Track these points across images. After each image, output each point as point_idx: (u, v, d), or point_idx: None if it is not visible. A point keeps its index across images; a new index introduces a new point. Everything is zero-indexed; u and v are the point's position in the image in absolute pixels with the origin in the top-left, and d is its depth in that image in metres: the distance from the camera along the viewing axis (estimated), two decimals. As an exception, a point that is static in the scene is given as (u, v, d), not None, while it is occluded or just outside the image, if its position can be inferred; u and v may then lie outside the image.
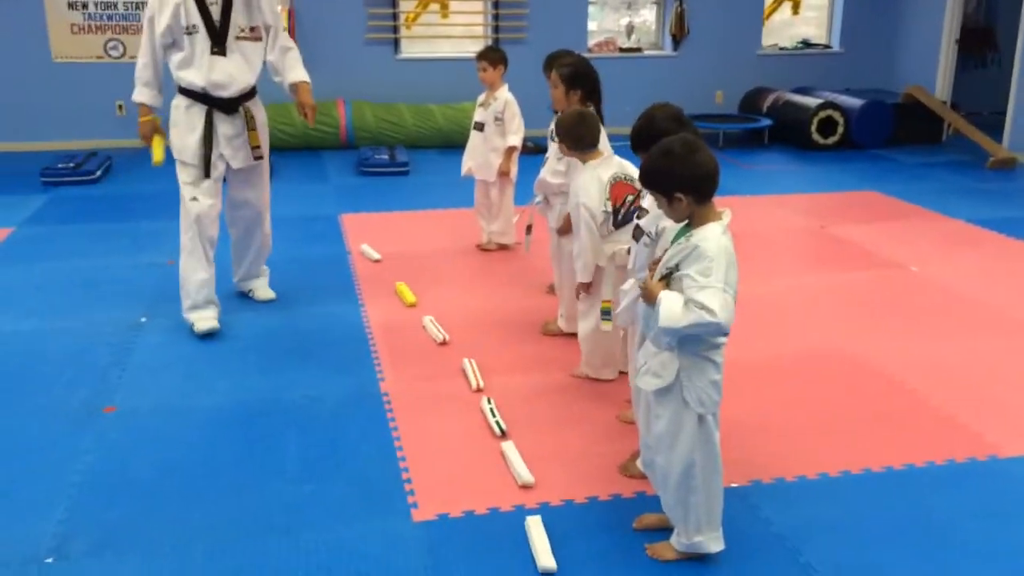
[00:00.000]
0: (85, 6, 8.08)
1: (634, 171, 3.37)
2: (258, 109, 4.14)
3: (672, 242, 2.35)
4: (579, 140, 3.38)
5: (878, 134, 8.65)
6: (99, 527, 2.64)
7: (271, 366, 3.76)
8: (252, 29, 3.97)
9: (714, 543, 2.48)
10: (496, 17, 8.92)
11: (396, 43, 8.79)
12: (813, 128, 8.48)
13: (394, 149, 7.81)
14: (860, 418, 3.36)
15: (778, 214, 6.30)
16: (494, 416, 3.27)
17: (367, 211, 6.21)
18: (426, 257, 5.22)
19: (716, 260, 2.21)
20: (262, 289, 4.51)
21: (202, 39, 3.87)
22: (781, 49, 9.81)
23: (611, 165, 3.39)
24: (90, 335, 4.03)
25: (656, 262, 2.39)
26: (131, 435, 3.19)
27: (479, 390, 3.53)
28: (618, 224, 3.35)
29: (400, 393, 3.52)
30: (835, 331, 4.18)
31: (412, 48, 8.99)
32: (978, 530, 2.69)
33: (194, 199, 4.01)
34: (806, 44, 9.87)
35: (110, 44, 8.20)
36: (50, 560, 2.49)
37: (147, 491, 2.84)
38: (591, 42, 9.28)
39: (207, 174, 3.99)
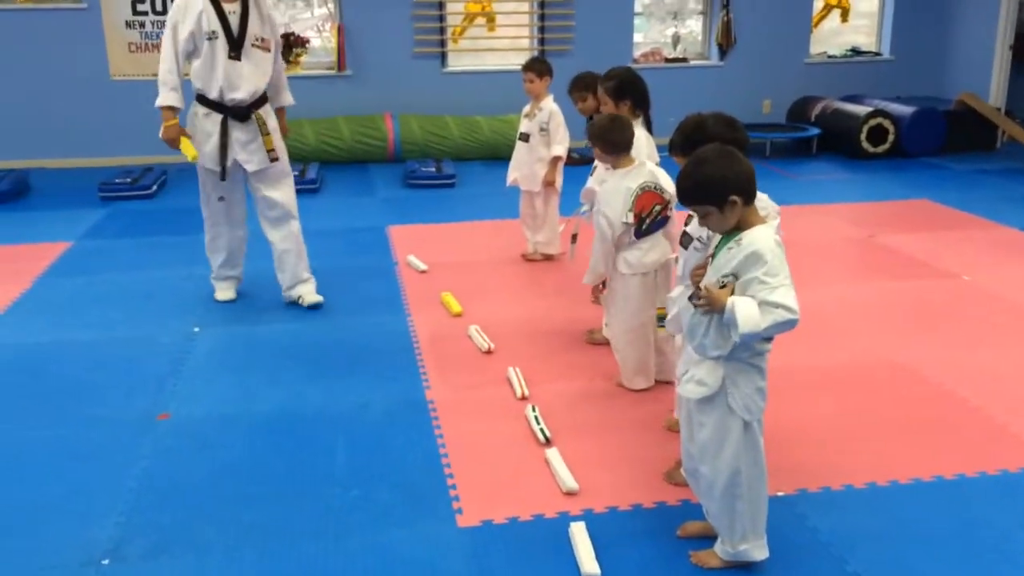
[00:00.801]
0: (143, 25, 8.30)
1: (666, 180, 3.38)
2: (269, 116, 4.41)
3: (719, 247, 2.33)
4: (610, 144, 3.40)
5: (930, 142, 8.52)
6: (154, 530, 2.72)
7: (320, 375, 3.83)
8: (263, 40, 4.28)
9: (759, 551, 2.47)
10: (542, 29, 8.98)
11: (443, 56, 8.89)
12: (863, 136, 8.38)
13: (441, 161, 7.89)
14: (910, 427, 3.32)
15: (826, 223, 6.24)
16: (538, 423, 3.29)
17: (414, 223, 6.28)
18: (472, 267, 5.27)
19: (776, 258, 2.20)
20: (309, 294, 4.61)
21: (221, 44, 4.16)
22: (830, 57, 9.72)
23: (641, 174, 3.40)
24: (146, 345, 4.14)
25: (699, 267, 2.39)
26: (185, 441, 3.27)
27: (524, 398, 3.56)
28: (641, 234, 3.37)
29: (446, 401, 3.56)
30: (884, 340, 4.13)
31: (459, 61, 9.08)
32: (1031, 541, 2.64)
33: (220, 199, 4.47)
34: (855, 52, 9.77)
35: (165, 62, 8.39)
36: (106, 562, 2.57)
37: (200, 495, 2.91)
38: (636, 53, 9.29)
39: (223, 177, 4.36)
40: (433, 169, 7.58)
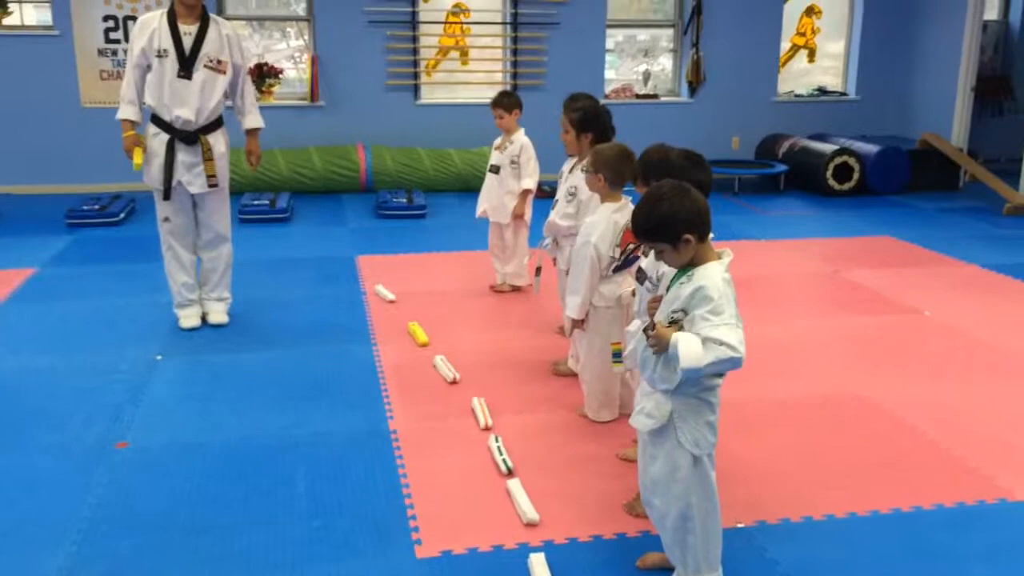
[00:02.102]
0: (114, 53, 8.29)
1: None
2: (218, 141, 4.51)
3: (672, 282, 2.35)
4: (619, 175, 3.36)
5: (894, 180, 8.67)
6: (107, 559, 2.67)
7: (283, 404, 3.80)
8: (219, 62, 4.38)
9: (715, 584, 2.47)
10: (515, 64, 9.07)
11: (416, 89, 8.95)
12: (829, 174, 8.51)
13: (412, 192, 7.91)
14: (869, 460, 3.35)
15: (792, 258, 6.31)
16: (501, 454, 3.28)
17: (384, 253, 6.28)
18: (440, 298, 5.27)
19: (723, 297, 2.22)
20: (217, 313, 4.77)
21: (171, 62, 4.30)
22: (797, 96, 9.90)
23: (626, 213, 3.39)
24: (106, 373, 4.09)
25: (654, 301, 2.41)
26: (142, 471, 3.22)
27: (487, 428, 3.55)
28: (616, 269, 3.39)
29: (408, 431, 3.55)
30: (846, 374, 4.17)
31: (432, 94, 9.15)
32: (986, 573, 2.67)
33: (166, 219, 4.58)
34: (822, 91, 9.95)
35: (137, 90, 8.38)
36: (57, 591, 2.52)
37: (156, 525, 2.87)
38: (608, 88, 9.40)
39: (167, 196, 4.47)
40: (404, 200, 7.60)
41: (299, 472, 3.22)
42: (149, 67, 4.33)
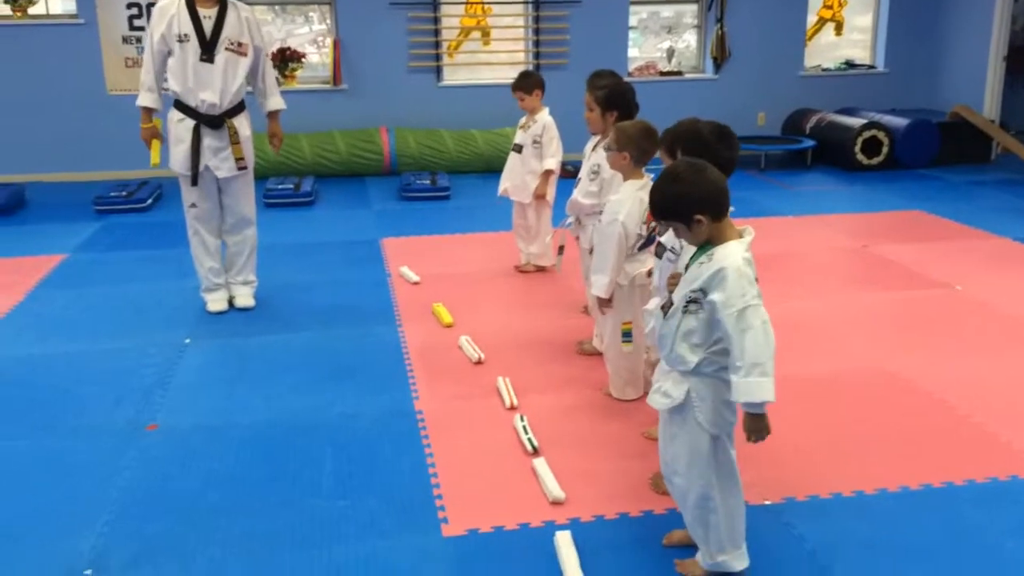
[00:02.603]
0: (139, 40, 8.32)
1: None
2: (242, 125, 4.51)
3: (692, 260, 2.32)
4: (644, 153, 3.33)
5: (924, 154, 8.54)
6: (138, 540, 2.71)
7: (309, 385, 3.82)
8: (240, 44, 4.38)
9: (738, 561, 2.46)
10: (537, 43, 9.01)
11: (439, 71, 8.92)
12: (857, 148, 8.39)
13: (436, 174, 7.90)
14: (899, 436, 3.31)
15: (821, 234, 6.24)
16: (526, 433, 3.28)
17: (408, 235, 6.29)
18: (464, 279, 5.27)
19: (743, 278, 2.18)
20: (244, 297, 4.77)
21: (192, 47, 4.29)
22: (824, 70, 9.75)
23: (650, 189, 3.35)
24: (136, 356, 4.14)
25: (674, 277, 2.39)
26: (172, 452, 3.26)
27: (512, 408, 3.55)
28: (641, 247, 3.36)
29: (434, 411, 3.56)
30: (876, 350, 4.12)
31: (454, 75, 9.11)
32: (1018, 549, 2.63)
33: (192, 205, 4.57)
34: (850, 65, 9.80)
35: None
36: (88, 572, 2.56)
37: (185, 506, 2.90)
38: (632, 67, 9.32)
39: (194, 182, 4.47)
40: (428, 182, 7.60)
41: (326, 453, 3.24)
42: (170, 53, 4.32)
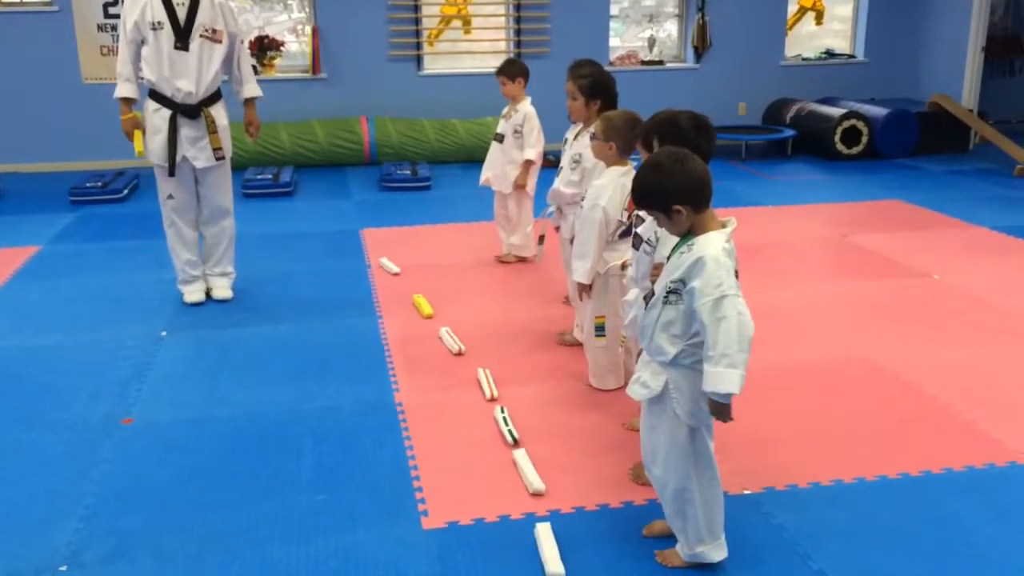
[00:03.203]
0: (114, 28, 8.21)
1: None
2: (219, 114, 4.45)
3: (673, 251, 2.32)
4: (629, 143, 3.31)
5: (903, 143, 8.58)
6: (114, 535, 2.68)
7: (288, 378, 3.79)
8: (214, 31, 4.30)
9: (716, 552, 2.46)
10: (518, 32, 8.97)
11: (419, 60, 8.86)
12: (837, 138, 8.42)
13: (416, 165, 7.86)
14: (877, 425, 3.33)
15: (801, 224, 6.26)
16: (507, 425, 3.27)
17: (388, 225, 6.25)
18: (444, 270, 5.25)
19: (721, 267, 2.18)
20: (222, 289, 4.73)
21: (166, 35, 4.21)
22: (804, 60, 9.77)
23: (632, 176, 3.33)
24: (111, 349, 4.09)
25: (657, 267, 2.38)
26: (148, 446, 3.23)
27: (493, 399, 3.54)
28: (621, 234, 3.35)
29: (414, 403, 3.54)
30: (855, 339, 4.14)
31: (435, 64, 9.06)
32: (996, 536, 2.65)
33: (169, 196, 4.53)
34: (830, 54, 9.82)
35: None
36: (64, 568, 2.53)
37: (162, 500, 2.87)
38: (613, 56, 9.30)
39: (171, 172, 4.41)
40: (408, 172, 7.56)
41: (305, 445, 3.21)
42: (143, 41, 4.25)
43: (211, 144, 4.41)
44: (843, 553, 2.57)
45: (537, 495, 2.86)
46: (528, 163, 5.14)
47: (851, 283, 4.99)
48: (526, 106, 5.18)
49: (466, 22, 9.06)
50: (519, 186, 5.16)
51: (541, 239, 4.24)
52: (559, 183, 3.92)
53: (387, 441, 3.24)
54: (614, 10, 9.30)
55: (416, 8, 8.76)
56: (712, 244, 2.21)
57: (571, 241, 3.82)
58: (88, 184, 7.12)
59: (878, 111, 8.55)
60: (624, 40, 9.63)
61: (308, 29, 8.76)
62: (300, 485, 2.96)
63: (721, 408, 2.24)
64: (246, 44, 4.59)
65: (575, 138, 3.99)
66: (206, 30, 4.28)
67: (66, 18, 8.11)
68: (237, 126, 4.78)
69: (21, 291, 4.94)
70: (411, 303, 4.63)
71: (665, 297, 2.26)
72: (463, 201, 6.86)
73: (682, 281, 2.22)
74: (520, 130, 5.15)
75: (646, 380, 2.36)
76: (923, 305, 4.61)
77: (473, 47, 9.14)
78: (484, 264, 5.35)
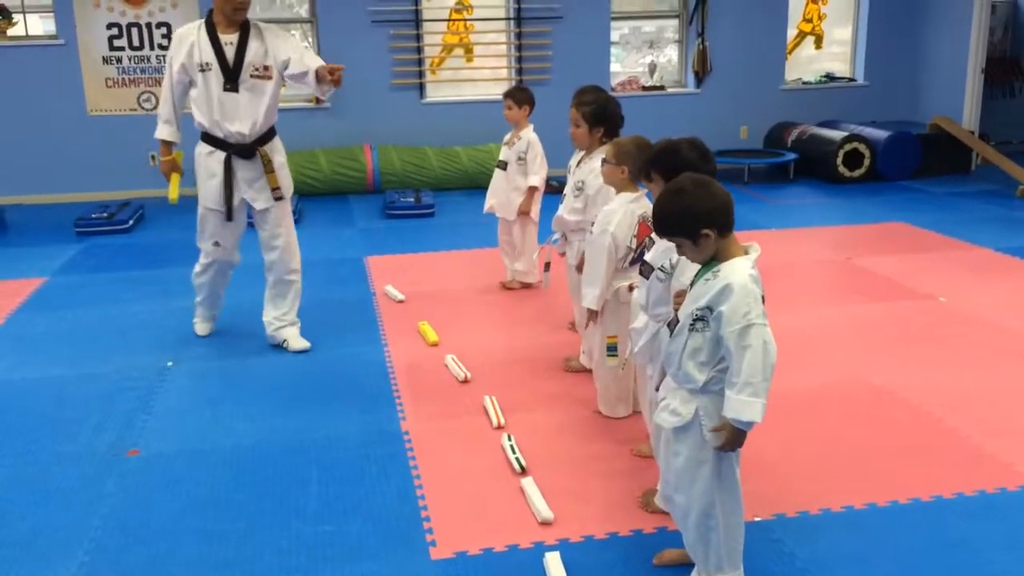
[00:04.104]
0: (119, 60, 8.30)
1: None
2: (276, 152, 4.25)
3: (697, 277, 2.30)
4: (641, 169, 3.31)
5: (905, 166, 8.60)
6: (120, 570, 2.66)
7: (294, 407, 3.78)
8: (264, 68, 4.07)
9: (734, 582, 2.44)
10: (520, 59, 9.03)
11: (421, 88, 8.92)
12: (839, 161, 8.44)
13: (420, 192, 7.89)
14: (887, 450, 3.31)
15: (804, 247, 6.26)
16: (514, 453, 3.25)
17: (392, 253, 6.26)
18: (449, 297, 5.25)
19: (749, 295, 2.16)
20: (295, 339, 4.44)
21: (215, 76, 4.02)
22: (805, 83, 9.82)
23: (643, 203, 3.32)
24: (117, 380, 4.09)
25: (680, 295, 2.37)
26: (154, 478, 3.21)
27: (500, 427, 3.52)
28: (632, 262, 3.34)
29: (420, 431, 3.52)
30: (861, 363, 4.12)
31: (437, 92, 9.11)
32: (1009, 562, 2.62)
33: (216, 243, 4.32)
34: (830, 78, 9.87)
35: (143, 97, 8.40)
36: (71, 602, 2.51)
37: (168, 532, 2.85)
38: (614, 82, 9.35)
39: (229, 217, 4.20)
40: (412, 199, 7.58)
41: (311, 475, 3.20)
42: (191, 83, 4.08)
43: (269, 184, 4.19)
44: (855, 580, 2.54)
45: (546, 524, 2.84)
46: (532, 189, 5.15)
47: (856, 306, 4.98)
48: (529, 133, 5.20)
49: (468, 50, 9.12)
50: (523, 213, 5.18)
51: (547, 266, 4.24)
52: (562, 210, 3.93)
53: (394, 470, 3.22)
54: (615, 36, 9.37)
55: (418, 37, 8.83)
56: (738, 271, 2.20)
57: (577, 268, 3.82)
58: (93, 215, 7.14)
59: (880, 134, 8.58)
60: (625, 66, 9.69)
61: (311, 59, 8.80)
62: (306, 515, 2.94)
63: (737, 434, 2.22)
64: (303, 50, 4.13)
65: (577, 165, 4.00)
66: (256, 69, 4.05)
67: (71, 51, 8.18)
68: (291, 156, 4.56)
69: (27, 323, 4.94)
70: (416, 330, 4.63)
71: (691, 325, 2.23)
72: (467, 228, 6.87)
73: (708, 308, 2.20)
74: (524, 157, 5.17)
75: (676, 408, 2.33)
76: (930, 328, 4.60)
77: (475, 75, 9.20)
78: (489, 291, 5.36)
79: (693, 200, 2.21)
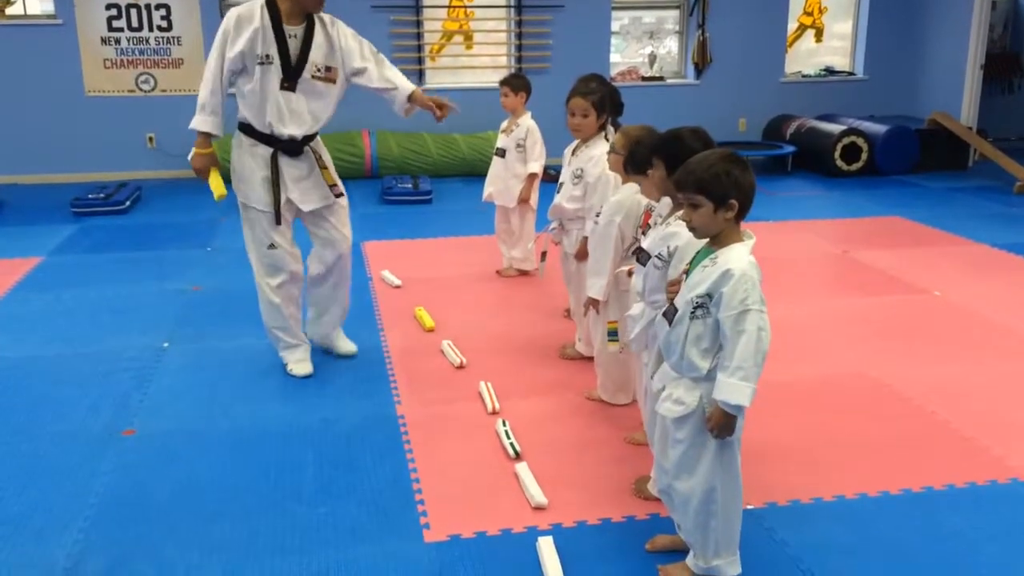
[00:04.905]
0: (118, 41, 8.27)
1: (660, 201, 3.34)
2: (322, 148, 3.82)
3: (694, 264, 2.31)
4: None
5: (903, 160, 8.61)
6: (114, 546, 2.67)
7: (289, 390, 3.79)
8: (328, 69, 3.64)
9: (731, 567, 2.45)
10: (519, 47, 9.01)
11: (421, 74, 8.90)
12: (837, 154, 8.45)
13: (418, 178, 7.88)
14: (879, 441, 3.33)
15: (801, 239, 6.27)
16: (509, 438, 3.27)
17: (389, 239, 6.26)
18: (446, 283, 5.25)
19: (748, 281, 2.18)
20: (344, 342, 4.15)
21: (274, 71, 3.55)
22: (804, 77, 9.81)
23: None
24: (113, 360, 4.09)
25: (674, 283, 2.37)
26: (149, 457, 3.22)
27: (495, 413, 3.54)
28: (635, 252, 3.34)
29: (416, 416, 3.54)
30: (856, 355, 4.14)
31: (437, 79, 9.09)
32: (998, 554, 2.64)
33: (271, 246, 3.77)
34: (829, 71, 9.87)
35: (141, 78, 8.38)
36: (65, 579, 2.52)
37: (163, 512, 2.86)
38: (614, 72, 9.34)
39: (279, 220, 3.73)
40: (409, 185, 7.58)
41: (307, 458, 3.21)
42: (241, 71, 3.57)
43: (325, 180, 3.77)
44: (845, 569, 2.56)
45: (539, 509, 2.85)
46: (532, 176, 5.16)
47: (852, 299, 4.99)
48: (527, 120, 5.21)
49: (468, 37, 9.10)
50: (523, 200, 5.18)
51: (543, 255, 4.25)
52: (561, 198, 3.93)
53: (388, 454, 3.24)
54: (615, 26, 9.35)
55: (418, 23, 8.81)
56: (737, 257, 2.21)
57: (576, 256, 3.82)
58: (90, 196, 7.13)
59: (878, 128, 8.59)
60: (625, 56, 9.68)
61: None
62: (301, 497, 2.95)
63: (727, 419, 2.24)
64: (380, 59, 3.80)
65: (573, 153, 3.99)
66: (318, 69, 3.60)
67: (70, 31, 8.15)
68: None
69: (23, 302, 4.94)
70: (412, 316, 4.64)
71: (692, 312, 2.24)
72: (464, 215, 6.87)
73: (708, 295, 2.21)
74: (523, 144, 5.17)
75: (680, 397, 2.33)
76: (924, 321, 4.62)
77: (475, 62, 9.18)
78: (485, 278, 5.36)
79: (738, 169, 2.23)
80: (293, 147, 3.69)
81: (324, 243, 3.90)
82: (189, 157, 3.68)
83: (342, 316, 4.14)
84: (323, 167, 3.77)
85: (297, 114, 3.63)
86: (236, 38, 3.51)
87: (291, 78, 3.58)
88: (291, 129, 3.64)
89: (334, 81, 3.67)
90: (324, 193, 3.80)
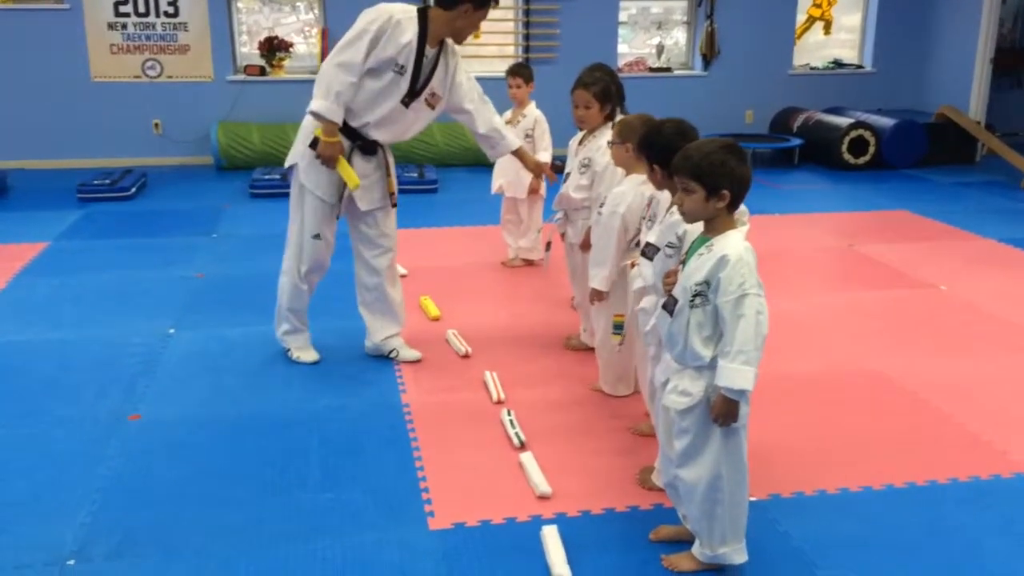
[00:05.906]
0: (124, 27, 8.26)
1: (660, 192, 3.34)
2: (391, 156, 3.87)
3: (690, 253, 2.32)
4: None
5: (910, 154, 8.58)
6: (120, 531, 2.68)
7: (295, 377, 3.80)
8: (434, 96, 3.72)
9: (738, 555, 2.46)
10: (527, 37, 8.99)
11: (427, 63, 8.86)
12: (844, 148, 8.43)
13: (423, 167, 7.88)
14: (884, 435, 3.33)
15: (807, 233, 6.26)
16: (513, 427, 3.28)
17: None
18: (451, 272, 5.26)
19: (745, 266, 2.20)
20: (405, 347, 4.05)
21: (401, 84, 3.60)
22: (812, 69, 9.78)
23: (650, 184, 3.32)
24: (119, 345, 4.10)
25: (671, 274, 2.38)
26: (155, 443, 3.23)
27: (499, 402, 3.54)
28: (638, 243, 3.34)
29: (421, 404, 3.54)
30: (861, 349, 4.14)
31: (443, 68, 9.06)
32: (1001, 548, 2.65)
33: (316, 236, 3.80)
34: (838, 64, 9.84)
35: (147, 64, 8.37)
36: (71, 562, 2.53)
37: (168, 497, 2.88)
38: (621, 62, 9.32)
39: (338, 214, 3.80)
40: (416, 175, 7.57)
41: (312, 445, 3.22)
42: (371, 72, 3.56)
43: (388, 188, 3.83)
44: (849, 562, 2.57)
45: (543, 498, 2.86)
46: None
47: (857, 293, 4.99)
48: (534, 110, 5.20)
49: (475, 26, 9.07)
50: (534, 190, 5.17)
51: (548, 246, 4.25)
52: (568, 188, 3.92)
53: (394, 442, 3.25)
54: (623, 16, 9.32)
55: (426, 11, 8.78)
56: (733, 243, 2.24)
57: (581, 246, 3.82)
58: (96, 181, 7.14)
59: (886, 121, 8.56)
60: (632, 47, 9.65)
61: (316, 31, 8.78)
62: (306, 484, 2.97)
63: (731, 405, 2.24)
64: (484, 99, 3.91)
65: (580, 143, 3.99)
66: (431, 94, 3.70)
67: (77, 16, 8.15)
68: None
69: (29, 287, 4.95)
70: (418, 305, 4.64)
71: (691, 301, 2.25)
72: (470, 204, 6.87)
73: (706, 282, 2.23)
74: (531, 134, 5.16)
75: (685, 388, 2.33)
76: (929, 316, 4.61)
77: (482, 51, 9.15)
78: (491, 268, 5.36)
79: (734, 160, 2.25)
80: (370, 147, 3.74)
81: (368, 243, 3.93)
82: (307, 145, 3.65)
83: (400, 313, 4.06)
84: (388, 173, 3.83)
85: (395, 125, 3.70)
86: (388, 44, 3.52)
87: (412, 96, 3.65)
88: (381, 135, 3.71)
89: (434, 107, 3.76)
90: (383, 196, 3.85)
